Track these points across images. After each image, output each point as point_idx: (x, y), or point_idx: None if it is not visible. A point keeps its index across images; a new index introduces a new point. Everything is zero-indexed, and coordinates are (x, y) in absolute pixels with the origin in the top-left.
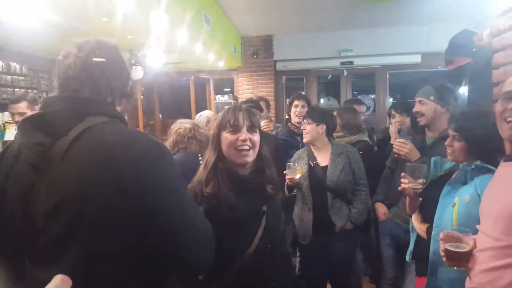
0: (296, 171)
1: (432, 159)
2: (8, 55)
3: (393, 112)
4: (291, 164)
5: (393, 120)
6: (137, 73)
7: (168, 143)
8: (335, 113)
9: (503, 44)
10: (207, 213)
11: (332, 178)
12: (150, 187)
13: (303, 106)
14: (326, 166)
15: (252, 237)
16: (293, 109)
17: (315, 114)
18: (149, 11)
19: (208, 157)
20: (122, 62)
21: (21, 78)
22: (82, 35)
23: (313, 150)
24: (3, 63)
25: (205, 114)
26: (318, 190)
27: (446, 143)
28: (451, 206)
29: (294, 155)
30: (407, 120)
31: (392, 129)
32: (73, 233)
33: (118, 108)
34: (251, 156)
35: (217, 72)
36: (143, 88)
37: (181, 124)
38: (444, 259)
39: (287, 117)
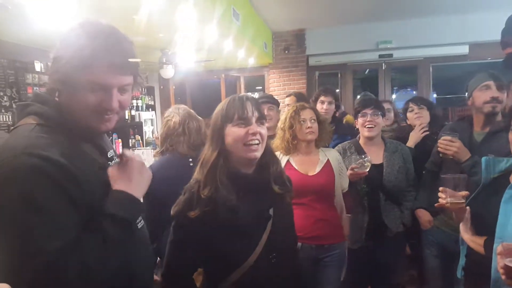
0: (366, 166)
1: (483, 159)
2: (47, 56)
3: (410, 105)
4: (358, 156)
5: (410, 115)
6: (168, 72)
7: (160, 135)
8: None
9: None
10: (204, 217)
11: (390, 178)
12: None
13: (330, 103)
14: (381, 165)
15: (254, 244)
16: (319, 105)
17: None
18: (177, 6)
19: (206, 153)
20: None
21: None
22: None
23: (363, 146)
24: (42, 64)
25: None
26: (371, 191)
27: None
28: None
29: (336, 148)
30: (427, 115)
31: (417, 123)
32: None
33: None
34: (260, 151)
35: (247, 69)
36: (174, 87)
37: (173, 115)
38: (503, 277)
39: None
